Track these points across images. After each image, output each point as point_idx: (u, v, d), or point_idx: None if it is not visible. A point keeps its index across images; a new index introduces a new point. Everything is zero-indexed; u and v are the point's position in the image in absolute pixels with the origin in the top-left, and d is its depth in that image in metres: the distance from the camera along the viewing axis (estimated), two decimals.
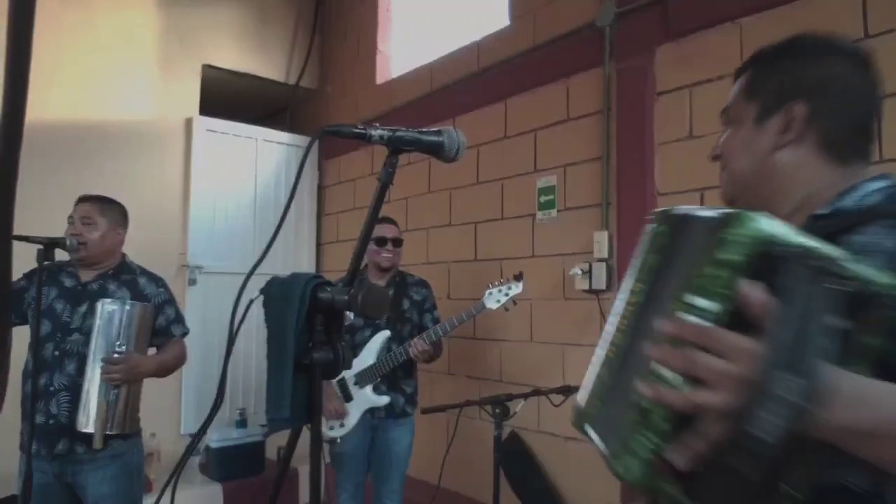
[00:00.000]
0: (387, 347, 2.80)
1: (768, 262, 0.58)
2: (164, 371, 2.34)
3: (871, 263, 0.63)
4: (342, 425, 2.79)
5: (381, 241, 2.88)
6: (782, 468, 0.61)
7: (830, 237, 0.70)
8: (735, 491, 0.59)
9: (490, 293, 2.68)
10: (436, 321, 2.88)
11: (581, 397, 0.81)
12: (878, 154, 2.04)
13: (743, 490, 0.59)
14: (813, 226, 0.79)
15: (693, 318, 0.59)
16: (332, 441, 2.79)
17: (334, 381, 2.73)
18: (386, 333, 2.81)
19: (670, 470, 0.60)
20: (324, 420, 2.76)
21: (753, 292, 0.57)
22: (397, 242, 2.94)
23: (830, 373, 0.57)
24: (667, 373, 0.60)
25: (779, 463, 0.59)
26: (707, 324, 0.59)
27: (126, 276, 2.35)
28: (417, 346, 2.65)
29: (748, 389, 0.55)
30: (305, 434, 0.95)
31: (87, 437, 2.08)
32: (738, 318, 0.58)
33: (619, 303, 0.80)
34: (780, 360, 0.54)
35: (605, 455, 0.67)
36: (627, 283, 0.79)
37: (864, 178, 0.84)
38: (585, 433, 0.76)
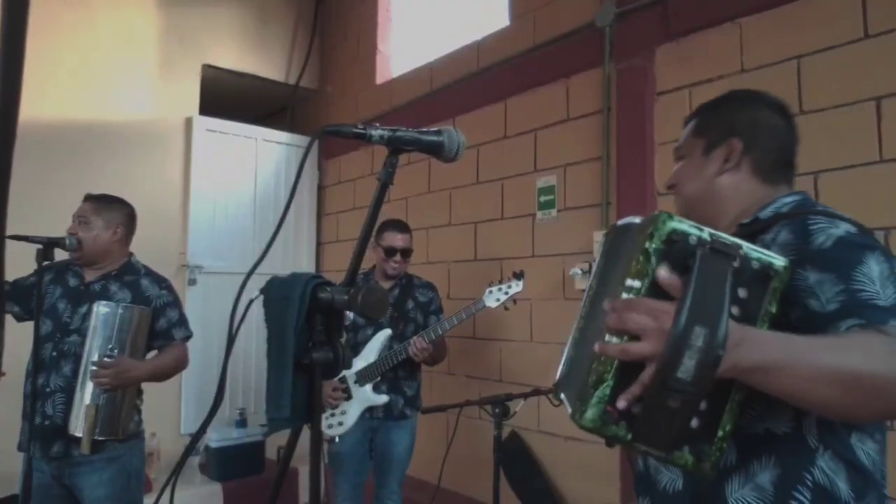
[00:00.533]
0: (388, 346, 2.79)
1: (681, 249, 0.78)
2: (159, 376, 2.29)
3: (770, 251, 0.84)
4: (340, 423, 2.78)
5: (391, 252, 2.85)
6: (712, 413, 0.80)
7: (750, 237, 0.94)
8: (667, 426, 0.74)
9: (490, 291, 2.67)
10: None
11: (559, 372, 1.06)
12: (878, 154, 2.05)
13: (674, 425, 0.74)
14: (739, 231, 1.01)
15: (628, 296, 0.79)
16: (331, 440, 2.77)
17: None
18: (387, 332, 2.80)
19: (618, 416, 0.77)
20: (323, 418, 2.75)
21: (662, 274, 0.78)
22: (406, 253, 2.89)
23: (733, 326, 0.72)
24: (611, 337, 0.78)
25: (706, 404, 0.78)
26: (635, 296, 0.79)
27: (129, 277, 2.32)
28: (416, 344, 2.63)
29: (668, 340, 0.70)
30: (305, 434, 0.95)
31: (80, 441, 2.07)
32: (658, 291, 0.78)
33: (584, 299, 1.07)
34: (693, 315, 0.70)
35: (570, 413, 0.84)
36: (589, 283, 1.08)
37: (783, 195, 1.07)
38: (561, 400, 0.97)
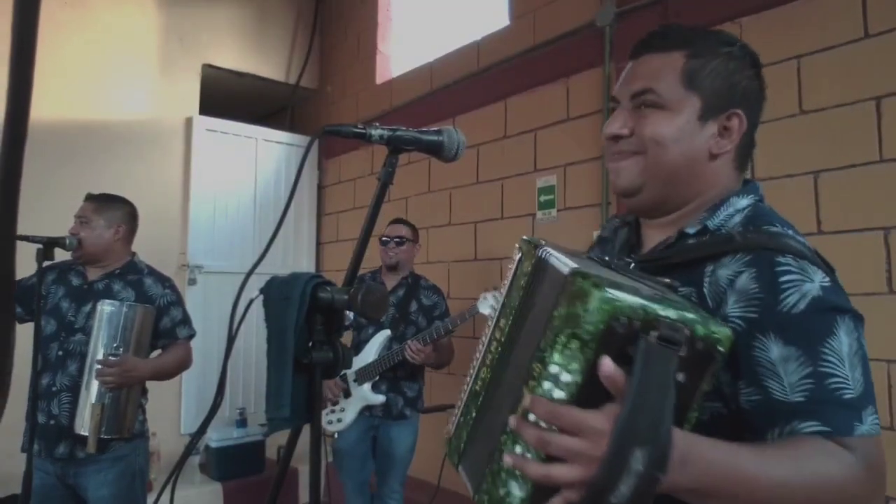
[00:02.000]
0: (387, 346, 2.81)
1: (623, 336, 0.62)
2: (164, 375, 2.30)
3: (719, 311, 0.74)
4: (339, 420, 2.81)
5: (384, 241, 2.96)
6: None
7: (690, 263, 0.80)
8: None
9: (485, 297, 2.66)
10: None
11: (452, 422, 0.85)
12: (878, 154, 2.05)
13: None
14: (679, 245, 0.85)
15: (554, 389, 0.63)
16: (330, 436, 2.83)
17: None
18: (386, 332, 2.83)
19: None
20: (323, 414, 2.78)
21: (608, 369, 0.61)
22: (400, 241, 2.95)
23: (675, 437, 0.60)
24: (527, 445, 0.64)
25: None
26: (563, 395, 0.63)
27: (132, 277, 2.33)
28: (412, 346, 2.64)
29: (602, 466, 0.58)
30: (305, 434, 0.95)
31: (86, 441, 2.07)
32: (593, 387, 0.62)
33: (485, 335, 0.84)
34: (633, 435, 0.58)
35: (474, 499, 0.71)
36: (496, 316, 0.83)
37: (735, 193, 0.87)
38: (458, 471, 0.80)
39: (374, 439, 2.89)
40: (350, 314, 2.52)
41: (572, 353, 0.63)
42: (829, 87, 2.18)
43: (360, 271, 3.16)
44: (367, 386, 2.80)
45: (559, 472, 0.61)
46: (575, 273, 0.66)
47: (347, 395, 2.83)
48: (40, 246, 2.05)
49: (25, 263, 2.06)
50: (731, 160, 0.89)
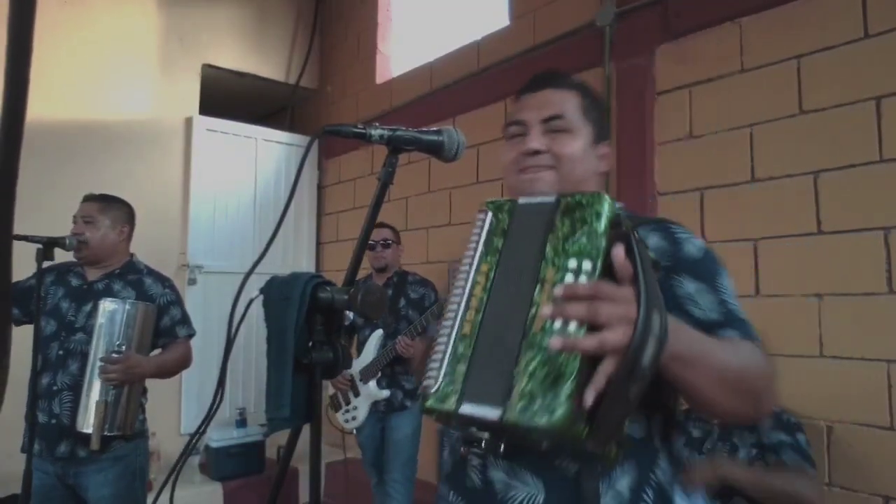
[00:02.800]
0: (383, 344, 2.97)
1: (621, 233, 0.75)
2: (165, 372, 2.32)
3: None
4: (354, 418, 3.03)
5: (371, 246, 3.08)
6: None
7: None
8: (621, 417, 0.72)
9: None
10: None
11: (431, 383, 0.82)
12: (878, 154, 2.05)
13: (626, 415, 0.73)
14: None
15: (577, 278, 0.74)
16: (349, 433, 3.10)
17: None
18: (379, 332, 2.98)
19: (581, 410, 0.70)
20: (339, 415, 3.10)
21: (619, 252, 0.73)
22: (386, 244, 3.09)
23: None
24: (571, 327, 0.71)
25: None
26: (586, 281, 0.74)
27: (132, 276, 2.33)
28: (402, 341, 2.81)
29: (637, 328, 0.68)
30: (305, 434, 0.95)
31: (88, 440, 2.07)
32: (605, 274, 0.74)
33: (461, 289, 0.86)
34: (651, 303, 0.69)
35: (509, 416, 0.73)
36: (467, 268, 0.88)
37: None
38: (454, 413, 0.78)
39: (383, 429, 3.06)
40: (349, 314, 2.58)
41: (588, 245, 0.75)
42: (829, 87, 2.18)
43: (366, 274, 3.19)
44: (371, 383, 2.96)
45: (610, 336, 0.68)
46: (563, 195, 0.82)
47: (357, 394, 3.01)
48: (40, 246, 2.05)
49: (25, 263, 2.06)
50: (604, 180, 1.14)
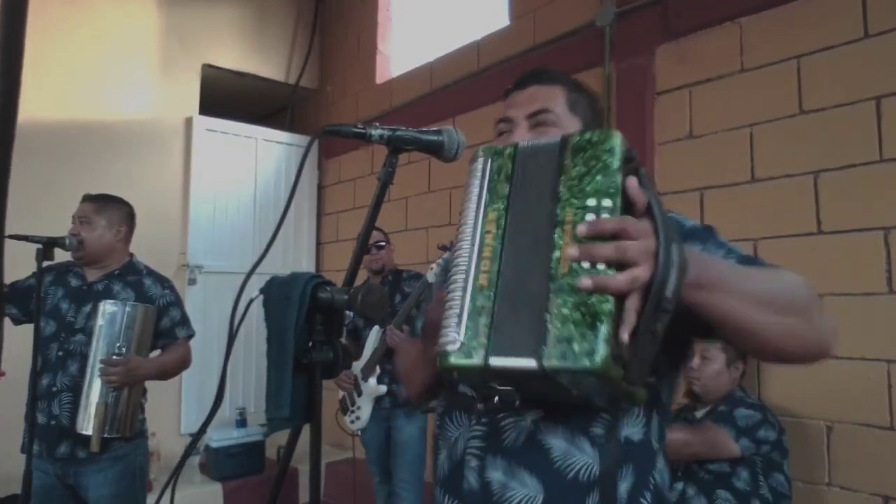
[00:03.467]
0: (381, 339, 2.97)
1: (633, 167, 0.74)
2: (165, 374, 2.32)
3: None
4: (358, 418, 3.03)
5: (367, 251, 3.03)
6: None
7: None
8: (650, 354, 0.71)
9: (432, 268, 2.75)
10: None
11: (453, 339, 0.75)
12: (878, 154, 2.05)
13: (654, 352, 0.71)
14: None
15: (599, 216, 0.71)
16: (355, 433, 3.10)
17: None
18: (377, 329, 2.98)
19: (619, 350, 0.68)
20: (346, 417, 3.09)
21: (635, 186, 0.72)
22: (379, 246, 3.11)
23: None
24: (601, 265, 0.69)
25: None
26: (615, 217, 0.71)
27: (132, 277, 2.33)
28: (389, 332, 2.82)
29: (661, 259, 0.67)
30: (305, 434, 0.95)
31: (88, 440, 2.07)
32: (624, 210, 0.72)
33: (467, 240, 0.80)
34: (668, 234, 0.68)
35: (547, 362, 0.69)
36: (472, 218, 0.81)
37: None
38: (484, 366, 0.73)
39: (388, 429, 3.06)
40: (350, 314, 2.59)
41: (605, 181, 0.73)
42: (829, 87, 2.18)
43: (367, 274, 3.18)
44: (372, 380, 2.97)
45: (639, 272, 0.67)
46: (569, 136, 0.79)
47: (360, 393, 3.01)
48: (40, 246, 2.05)
49: (25, 263, 2.07)
50: None
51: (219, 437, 3.77)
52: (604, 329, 0.67)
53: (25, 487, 1.96)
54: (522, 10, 3.37)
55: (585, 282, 0.68)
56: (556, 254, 0.73)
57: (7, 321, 2.28)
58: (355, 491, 3.58)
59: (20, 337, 2.08)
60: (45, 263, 2.06)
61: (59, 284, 2.29)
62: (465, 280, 0.78)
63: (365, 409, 3.01)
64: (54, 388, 2.14)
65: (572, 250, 0.70)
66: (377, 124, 0.98)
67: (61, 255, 2.18)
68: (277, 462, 4.00)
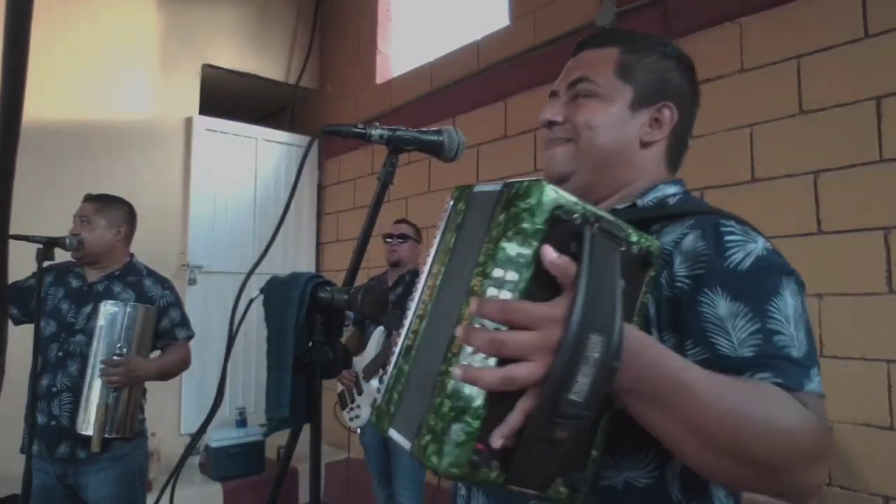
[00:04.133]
0: (385, 340, 2.95)
1: (566, 229, 0.60)
2: (165, 375, 2.32)
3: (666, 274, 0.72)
4: (357, 416, 3.00)
5: (388, 240, 3.08)
6: (587, 434, 0.63)
7: (641, 223, 0.74)
8: (549, 460, 0.59)
9: None
10: None
11: (379, 397, 0.74)
12: (878, 154, 2.05)
13: (557, 458, 0.59)
14: (619, 212, 0.82)
15: (499, 292, 0.60)
16: (353, 431, 3.09)
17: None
18: (380, 328, 2.96)
19: (488, 454, 0.59)
20: (346, 412, 3.08)
21: (553, 256, 0.58)
22: (402, 237, 3.06)
23: (627, 329, 0.57)
24: (478, 354, 0.59)
25: (586, 427, 0.60)
26: (510, 296, 0.59)
27: (132, 278, 2.33)
28: (395, 337, 2.73)
29: (561, 356, 0.54)
30: (305, 434, 0.95)
31: (88, 440, 2.07)
32: (540, 283, 0.60)
33: (417, 291, 0.76)
34: (589, 319, 0.55)
35: (414, 452, 0.63)
36: (426, 268, 0.76)
37: (662, 182, 0.89)
38: (388, 437, 0.70)
39: None
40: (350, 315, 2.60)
41: (516, 249, 0.60)
42: (829, 87, 2.18)
43: (368, 274, 3.20)
44: (373, 382, 2.94)
45: (518, 371, 0.56)
46: (508, 184, 0.65)
47: (360, 392, 3.00)
48: (40, 246, 2.05)
49: (25, 263, 2.06)
50: (662, 153, 0.91)
51: (219, 437, 3.77)
52: (463, 430, 0.58)
53: (25, 487, 1.96)
54: (522, 10, 3.37)
55: (456, 371, 0.58)
56: (458, 329, 0.62)
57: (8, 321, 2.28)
58: (348, 490, 3.58)
59: (20, 337, 2.07)
60: (46, 263, 2.06)
61: (60, 285, 2.29)
62: (402, 335, 0.74)
63: (365, 408, 3.00)
64: (54, 389, 2.14)
65: (458, 329, 0.60)
66: (377, 124, 0.98)
67: (61, 255, 2.18)
68: (277, 462, 4.00)
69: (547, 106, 0.92)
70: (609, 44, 0.92)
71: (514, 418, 0.57)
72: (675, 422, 0.60)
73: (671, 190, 0.88)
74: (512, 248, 0.60)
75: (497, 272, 0.60)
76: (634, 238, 0.65)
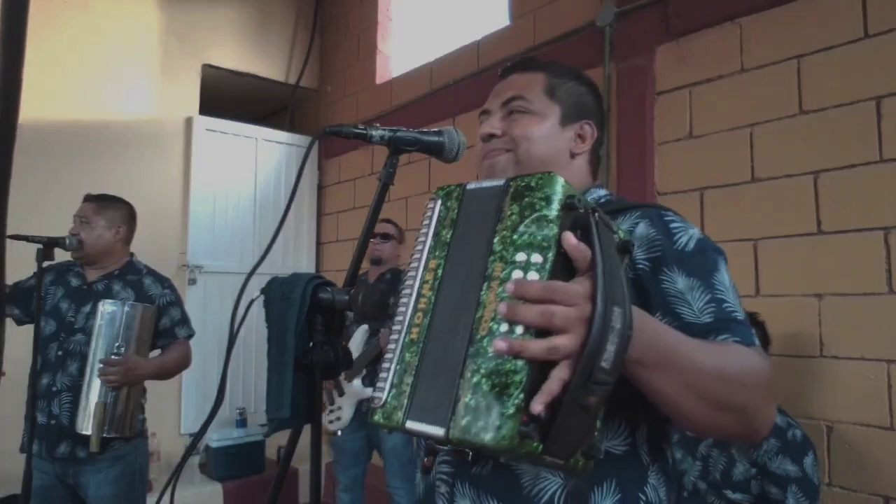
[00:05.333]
0: (367, 340, 2.89)
1: (577, 217, 0.68)
2: (165, 374, 2.32)
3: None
4: (338, 418, 2.91)
5: (371, 236, 3.02)
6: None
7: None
8: (581, 428, 0.64)
9: None
10: None
11: (379, 395, 0.74)
12: (878, 154, 2.05)
13: (586, 426, 0.65)
14: None
15: (526, 274, 0.65)
16: (333, 434, 2.95)
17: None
18: (364, 327, 2.90)
19: (534, 425, 0.62)
20: (324, 416, 2.92)
21: (574, 241, 0.65)
22: (384, 238, 3.07)
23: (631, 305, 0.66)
24: (518, 328, 0.63)
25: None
26: (536, 277, 0.65)
27: (132, 277, 2.33)
28: (384, 336, 2.72)
29: (595, 326, 0.61)
30: (305, 434, 0.95)
31: (88, 440, 2.07)
32: (559, 265, 0.66)
33: (409, 288, 0.78)
34: (609, 296, 0.62)
35: (454, 434, 0.65)
36: (415, 265, 0.78)
37: (591, 186, 1.06)
38: (401, 429, 0.71)
39: (368, 436, 2.98)
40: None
41: (537, 234, 0.67)
42: (829, 87, 2.18)
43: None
44: (356, 382, 2.88)
45: (560, 340, 0.61)
46: (513, 178, 0.72)
47: (341, 393, 2.88)
48: (40, 246, 2.05)
49: (25, 263, 2.07)
50: (586, 163, 1.06)
51: (219, 437, 3.77)
52: (512, 401, 0.62)
53: (25, 487, 1.96)
54: (522, 10, 3.37)
55: (499, 345, 0.61)
56: (480, 313, 0.67)
57: (10, 321, 2.28)
58: (322, 493, 3.55)
59: (20, 337, 2.08)
60: (46, 263, 2.07)
61: (60, 284, 2.29)
62: (400, 332, 0.76)
63: (346, 410, 2.93)
64: (54, 388, 2.15)
65: (501, 306, 0.64)
66: (377, 124, 0.98)
67: (61, 255, 2.19)
68: (277, 462, 4.00)
69: (485, 122, 1.04)
70: (535, 69, 1.06)
71: (553, 385, 0.62)
72: (675, 383, 0.71)
73: (602, 192, 1.04)
74: (533, 233, 0.67)
75: (520, 256, 0.66)
76: (616, 228, 0.75)
